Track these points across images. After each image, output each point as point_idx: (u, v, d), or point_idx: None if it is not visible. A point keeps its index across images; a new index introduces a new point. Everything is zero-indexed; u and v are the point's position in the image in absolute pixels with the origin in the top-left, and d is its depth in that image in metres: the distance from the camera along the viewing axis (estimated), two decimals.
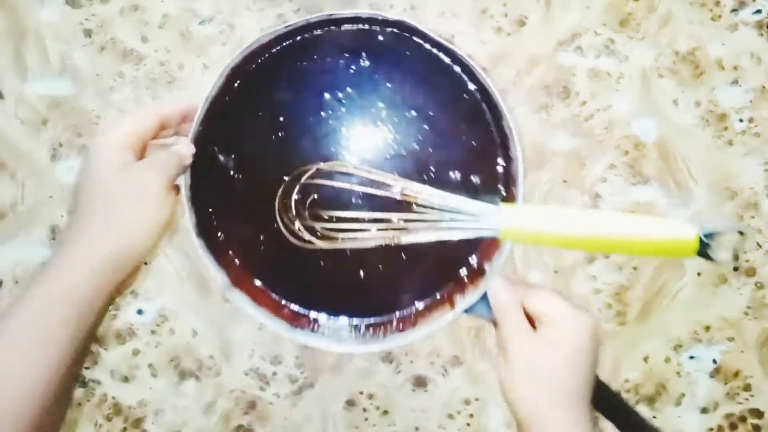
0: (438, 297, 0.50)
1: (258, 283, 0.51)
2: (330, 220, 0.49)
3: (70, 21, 0.66)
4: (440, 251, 0.49)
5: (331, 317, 0.51)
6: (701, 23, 0.66)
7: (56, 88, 0.66)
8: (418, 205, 0.48)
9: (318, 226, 0.49)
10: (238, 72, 0.51)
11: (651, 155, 0.66)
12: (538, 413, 0.42)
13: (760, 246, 0.66)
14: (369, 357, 0.67)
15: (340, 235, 0.48)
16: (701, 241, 0.43)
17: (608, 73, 0.66)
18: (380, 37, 0.52)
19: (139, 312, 0.66)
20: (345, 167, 0.50)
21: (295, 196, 0.49)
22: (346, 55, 0.53)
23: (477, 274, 0.50)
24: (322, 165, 0.49)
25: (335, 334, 0.50)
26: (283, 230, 0.49)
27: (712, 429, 0.67)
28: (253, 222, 0.51)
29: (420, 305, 0.51)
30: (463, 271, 0.50)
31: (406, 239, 0.47)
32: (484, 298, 0.47)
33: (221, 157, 0.51)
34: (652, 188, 0.66)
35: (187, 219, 0.48)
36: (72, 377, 0.40)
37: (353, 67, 0.53)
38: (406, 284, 0.51)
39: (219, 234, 0.51)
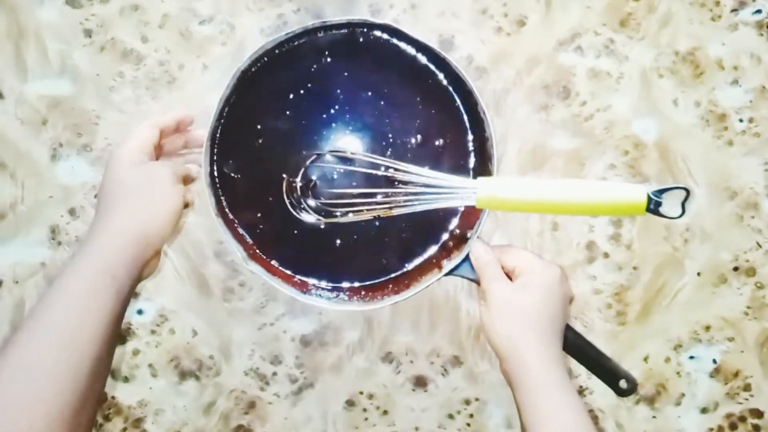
0: (427, 262, 0.59)
1: (266, 257, 0.59)
2: (331, 198, 0.57)
3: (70, 21, 0.66)
4: (429, 224, 0.59)
5: (335, 284, 0.59)
6: (701, 23, 0.66)
7: (56, 88, 0.66)
8: (406, 182, 0.55)
9: (313, 203, 0.57)
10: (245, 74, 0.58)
11: (651, 155, 0.66)
12: (513, 344, 0.49)
13: (760, 246, 0.66)
14: (369, 357, 0.67)
15: (340, 210, 0.56)
16: (650, 199, 0.49)
17: (608, 73, 0.66)
18: (369, 40, 0.59)
19: (139, 312, 0.67)
20: (343, 153, 0.58)
21: (299, 183, 0.57)
22: (339, 56, 0.59)
23: (460, 241, 0.58)
24: (322, 152, 0.58)
25: (339, 297, 0.59)
26: (291, 210, 0.57)
27: (712, 429, 0.67)
28: (260, 204, 0.59)
29: (412, 271, 0.59)
30: (449, 240, 0.59)
31: (397, 212, 0.55)
32: (467, 261, 0.56)
33: (231, 149, 0.59)
34: (652, 188, 0.66)
35: (206, 201, 0.57)
36: (113, 342, 0.46)
37: (345, 66, 0.59)
38: (401, 254, 0.59)
39: (231, 216, 0.59)
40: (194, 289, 0.66)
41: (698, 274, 0.66)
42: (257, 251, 0.59)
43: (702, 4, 0.66)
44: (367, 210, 0.56)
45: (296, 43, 0.58)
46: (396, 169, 0.55)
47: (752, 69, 0.66)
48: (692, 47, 0.66)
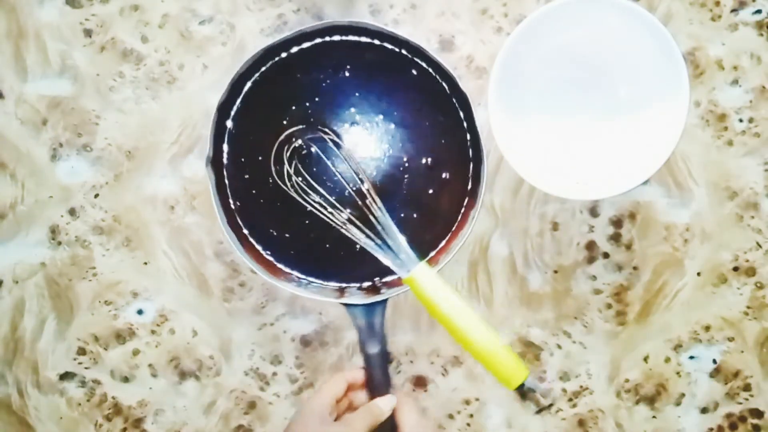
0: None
1: (263, 251, 0.60)
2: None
3: (70, 21, 0.66)
4: (413, 237, 0.58)
5: (324, 282, 0.61)
6: (701, 23, 0.66)
7: (56, 88, 0.66)
8: (372, 213, 0.57)
9: (292, 179, 0.58)
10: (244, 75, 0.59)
11: None
12: None
13: (760, 246, 0.66)
14: None
15: (314, 199, 0.58)
16: (523, 385, 0.53)
17: None
18: (371, 48, 0.59)
19: (139, 312, 0.67)
20: (327, 134, 0.59)
21: (286, 155, 0.58)
22: (337, 65, 0.60)
23: (441, 252, 0.60)
24: (302, 128, 0.59)
25: (324, 290, 0.60)
26: (277, 179, 0.58)
27: (712, 429, 0.67)
28: (260, 203, 0.60)
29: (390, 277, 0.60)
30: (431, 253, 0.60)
31: (349, 233, 0.57)
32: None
33: (233, 147, 0.60)
34: (652, 188, 0.66)
35: (210, 195, 0.58)
36: None
37: (349, 72, 0.60)
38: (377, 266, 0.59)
39: (234, 211, 0.60)
40: (194, 289, 0.66)
41: (698, 274, 0.66)
42: (250, 240, 0.60)
43: (702, 4, 0.66)
44: (331, 215, 0.58)
45: (298, 46, 0.59)
46: (369, 198, 0.57)
47: (752, 69, 0.66)
48: (692, 47, 0.66)
